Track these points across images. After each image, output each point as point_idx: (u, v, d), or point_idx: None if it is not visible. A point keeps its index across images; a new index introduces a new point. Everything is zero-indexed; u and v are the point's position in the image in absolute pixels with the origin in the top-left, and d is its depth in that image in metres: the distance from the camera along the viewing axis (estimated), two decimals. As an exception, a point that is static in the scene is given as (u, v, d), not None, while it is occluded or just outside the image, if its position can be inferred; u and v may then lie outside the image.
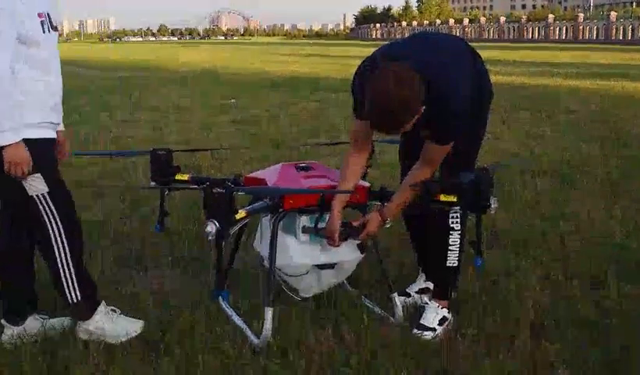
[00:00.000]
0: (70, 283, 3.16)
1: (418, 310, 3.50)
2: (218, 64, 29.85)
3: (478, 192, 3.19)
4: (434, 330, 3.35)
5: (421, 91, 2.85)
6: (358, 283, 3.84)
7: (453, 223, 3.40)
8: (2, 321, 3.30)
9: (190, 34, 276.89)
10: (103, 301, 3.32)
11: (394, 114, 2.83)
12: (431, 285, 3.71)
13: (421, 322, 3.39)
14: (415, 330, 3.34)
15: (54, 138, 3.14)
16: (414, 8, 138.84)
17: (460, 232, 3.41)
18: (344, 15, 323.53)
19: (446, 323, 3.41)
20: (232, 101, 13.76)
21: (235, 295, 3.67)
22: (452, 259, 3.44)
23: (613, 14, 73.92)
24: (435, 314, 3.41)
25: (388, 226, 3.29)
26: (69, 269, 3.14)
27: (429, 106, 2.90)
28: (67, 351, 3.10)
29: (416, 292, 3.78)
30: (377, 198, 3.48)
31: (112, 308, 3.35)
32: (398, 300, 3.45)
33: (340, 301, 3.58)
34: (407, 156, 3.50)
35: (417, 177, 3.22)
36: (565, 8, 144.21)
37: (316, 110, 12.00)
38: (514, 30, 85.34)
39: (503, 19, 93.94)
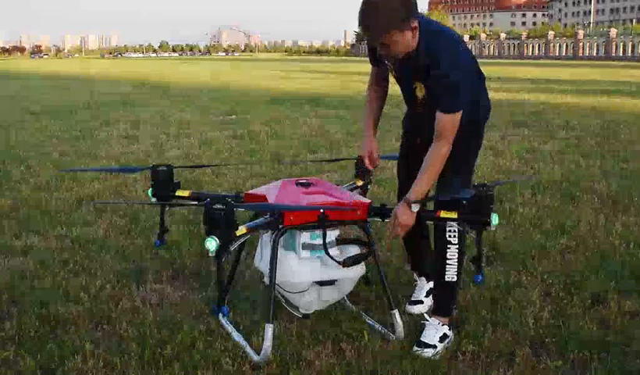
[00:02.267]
0: None
1: (420, 327, 3.50)
2: (219, 80, 29.95)
3: (478, 209, 3.20)
4: (434, 347, 3.33)
5: (411, 15, 3.01)
6: (358, 299, 3.84)
7: (450, 236, 3.41)
8: None
9: (190, 50, 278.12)
10: None
11: (379, 10, 2.97)
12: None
13: (422, 339, 3.37)
14: (415, 348, 3.32)
15: None
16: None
17: (457, 247, 3.42)
18: (345, 31, 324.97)
19: (447, 340, 3.40)
20: (233, 117, 13.79)
21: (235, 311, 3.66)
22: (450, 274, 3.44)
23: (613, 31, 74.29)
24: (435, 331, 3.40)
25: (415, 210, 3.23)
26: None
27: (428, 64, 3.10)
28: (65, 367, 3.10)
29: (425, 296, 3.81)
30: (377, 214, 3.48)
31: None
32: (398, 316, 3.44)
33: (340, 318, 3.58)
34: (407, 174, 3.53)
35: (434, 154, 3.21)
36: (565, 25, 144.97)
37: (316, 126, 12.02)
38: (514, 47, 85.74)
39: (503, 35, 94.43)
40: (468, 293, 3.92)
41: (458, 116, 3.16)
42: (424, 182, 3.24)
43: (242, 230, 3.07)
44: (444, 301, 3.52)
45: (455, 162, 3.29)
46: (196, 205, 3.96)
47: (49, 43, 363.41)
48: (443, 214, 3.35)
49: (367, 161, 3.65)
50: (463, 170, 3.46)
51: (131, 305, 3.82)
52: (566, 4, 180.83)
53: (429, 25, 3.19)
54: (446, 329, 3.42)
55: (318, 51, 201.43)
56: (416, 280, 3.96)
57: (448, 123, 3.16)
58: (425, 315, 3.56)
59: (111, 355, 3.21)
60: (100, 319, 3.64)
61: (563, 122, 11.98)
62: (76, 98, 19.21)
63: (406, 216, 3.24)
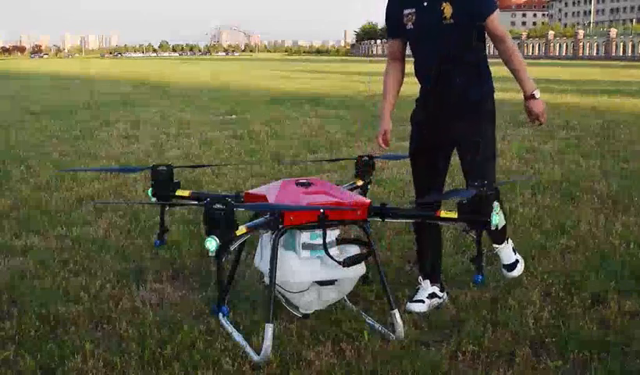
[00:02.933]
0: None
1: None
2: (219, 80, 29.95)
3: (478, 209, 3.21)
4: (517, 261, 3.88)
5: None
6: (358, 299, 3.84)
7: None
8: None
9: (190, 50, 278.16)
10: None
11: None
12: (437, 289, 3.88)
13: (505, 263, 3.89)
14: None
15: None
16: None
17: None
18: (345, 31, 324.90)
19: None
20: (233, 117, 13.80)
21: (235, 311, 3.66)
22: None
23: (613, 31, 74.29)
24: (508, 249, 3.88)
25: (539, 95, 3.58)
26: None
27: None
28: (65, 367, 3.10)
29: (427, 297, 3.84)
30: (377, 214, 3.48)
31: None
32: (398, 316, 3.44)
33: (340, 318, 3.58)
34: (430, 171, 3.88)
35: (512, 52, 3.57)
36: (565, 25, 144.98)
37: (316, 126, 12.02)
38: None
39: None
40: (468, 293, 3.93)
41: (497, 14, 3.53)
42: (526, 73, 3.59)
43: (242, 229, 3.07)
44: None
45: (489, 148, 3.72)
46: (196, 205, 3.96)
47: (49, 43, 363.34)
48: (443, 214, 3.36)
49: (380, 139, 3.79)
50: (494, 155, 3.82)
51: (131, 305, 3.82)
52: (566, 4, 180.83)
53: None
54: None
55: (318, 51, 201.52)
56: (420, 283, 3.92)
57: (497, 20, 3.52)
58: (495, 246, 3.87)
59: (111, 355, 3.21)
60: (100, 319, 3.64)
61: (563, 122, 11.98)
62: (76, 98, 19.21)
63: (538, 104, 3.58)
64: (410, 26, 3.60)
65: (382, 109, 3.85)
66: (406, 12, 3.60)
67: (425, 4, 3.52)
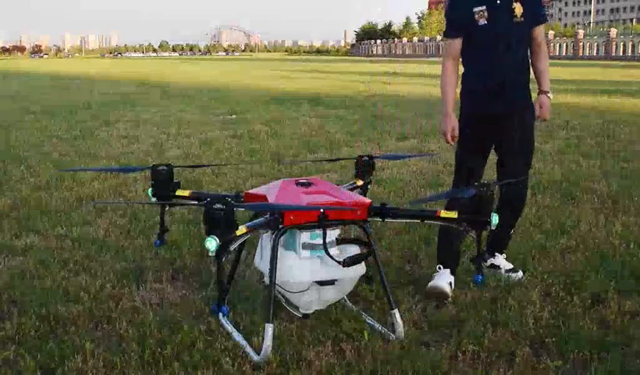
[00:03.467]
0: None
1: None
2: (219, 79, 29.96)
3: (478, 209, 3.21)
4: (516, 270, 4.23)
5: None
6: (358, 299, 3.84)
7: None
8: None
9: (190, 50, 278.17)
10: None
11: None
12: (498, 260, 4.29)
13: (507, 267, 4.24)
14: (511, 274, 4.21)
15: None
16: (415, 24, 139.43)
17: None
18: (345, 31, 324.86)
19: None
20: (233, 117, 13.80)
21: (235, 311, 3.66)
22: None
23: (613, 31, 74.24)
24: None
25: (551, 96, 4.06)
26: None
27: None
28: (65, 367, 3.10)
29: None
30: (377, 214, 3.48)
31: None
32: (398, 316, 3.44)
33: (340, 318, 3.58)
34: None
35: (545, 56, 4.09)
36: (565, 24, 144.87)
37: (316, 126, 12.02)
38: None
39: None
40: (468, 293, 3.93)
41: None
42: (548, 75, 4.08)
43: (242, 229, 3.07)
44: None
45: (530, 154, 4.14)
46: (196, 204, 3.96)
47: (49, 43, 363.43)
48: (443, 214, 3.36)
49: (449, 136, 3.96)
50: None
51: (131, 305, 3.82)
52: (566, 4, 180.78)
53: None
54: None
55: (318, 51, 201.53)
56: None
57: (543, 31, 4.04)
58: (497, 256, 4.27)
59: (111, 355, 3.21)
60: (100, 319, 3.64)
61: (563, 122, 11.97)
62: (76, 98, 19.21)
63: (548, 101, 4.02)
64: (482, 22, 3.85)
65: (447, 107, 3.96)
66: (476, 9, 3.84)
67: (498, 2, 3.83)
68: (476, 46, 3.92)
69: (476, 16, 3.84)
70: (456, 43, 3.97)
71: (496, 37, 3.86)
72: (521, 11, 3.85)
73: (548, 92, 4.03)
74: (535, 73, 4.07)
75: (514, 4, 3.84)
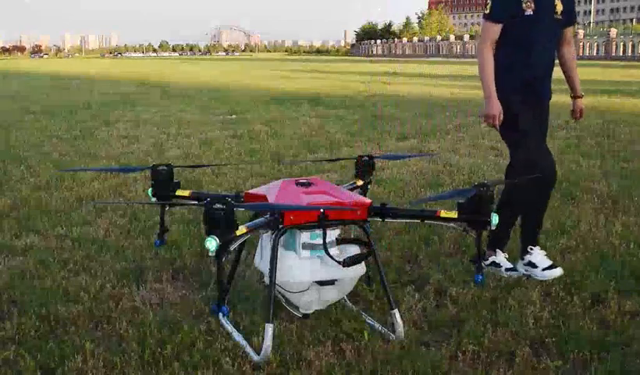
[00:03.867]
0: None
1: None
2: (219, 79, 29.96)
3: (478, 209, 3.21)
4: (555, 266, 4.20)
5: None
6: (358, 299, 3.84)
7: None
8: None
9: (190, 50, 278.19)
10: None
11: None
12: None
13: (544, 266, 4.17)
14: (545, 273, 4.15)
15: None
16: (415, 25, 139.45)
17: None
18: (345, 31, 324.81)
19: None
20: (233, 117, 13.80)
21: (235, 311, 3.66)
22: None
23: (613, 31, 74.22)
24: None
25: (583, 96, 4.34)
26: None
27: None
28: (65, 367, 3.10)
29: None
30: (377, 214, 3.48)
31: None
32: (398, 316, 3.44)
33: (340, 318, 3.58)
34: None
35: (574, 56, 4.30)
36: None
37: (316, 126, 12.02)
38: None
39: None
40: (468, 293, 3.92)
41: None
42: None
43: (242, 229, 3.07)
44: None
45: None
46: (196, 204, 3.96)
47: (49, 43, 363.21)
48: (443, 214, 3.36)
49: (497, 121, 4.02)
50: None
51: (131, 305, 3.82)
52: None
53: None
54: None
55: (318, 51, 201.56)
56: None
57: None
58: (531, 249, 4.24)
59: (111, 355, 3.21)
60: (100, 319, 3.64)
61: (563, 122, 11.96)
62: (76, 98, 19.22)
63: (581, 103, 4.38)
64: (529, 12, 3.93)
65: (492, 90, 4.00)
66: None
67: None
68: (518, 35, 3.98)
69: (524, 5, 3.92)
70: (498, 28, 4.01)
71: (539, 30, 3.94)
72: (561, 8, 3.99)
73: (581, 95, 4.36)
74: (566, 73, 4.29)
75: (556, 1, 3.97)
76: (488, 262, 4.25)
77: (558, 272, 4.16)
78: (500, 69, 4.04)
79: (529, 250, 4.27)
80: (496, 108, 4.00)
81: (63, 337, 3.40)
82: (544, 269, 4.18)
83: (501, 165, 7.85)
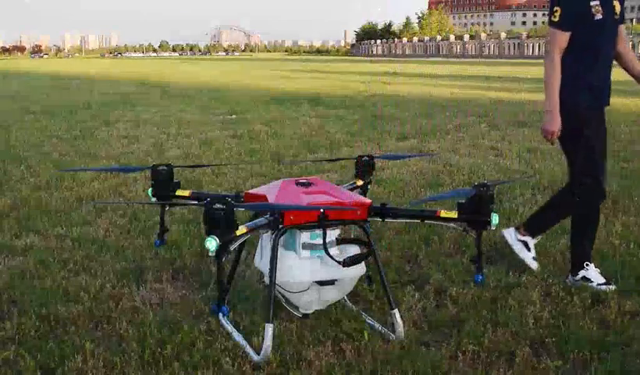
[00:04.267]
0: None
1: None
2: (219, 79, 29.96)
3: (478, 209, 3.21)
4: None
5: None
6: (358, 299, 3.84)
7: None
8: None
9: (190, 50, 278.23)
10: None
11: None
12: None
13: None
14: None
15: None
16: (415, 25, 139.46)
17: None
18: (345, 31, 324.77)
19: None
20: (233, 117, 13.80)
21: (235, 311, 3.66)
22: None
23: (613, 31, 74.08)
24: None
25: None
26: None
27: None
28: (65, 367, 3.10)
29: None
30: (377, 214, 3.48)
31: None
32: (398, 316, 3.44)
33: (340, 318, 3.58)
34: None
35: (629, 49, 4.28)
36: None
37: (316, 126, 12.02)
38: (515, 47, 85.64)
39: (503, 35, 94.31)
40: (468, 293, 3.92)
41: None
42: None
43: (242, 229, 3.07)
44: None
45: None
46: (196, 204, 3.96)
47: (49, 43, 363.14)
48: (443, 214, 3.37)
49: (555, 136, 3.96)
50: None
51: (131, 305, 3.82)
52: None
53: None
54: None
55: (318, 51, 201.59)
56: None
57: None
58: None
59: (111, 355, 3.21)
60: (100, 319, 3.64)
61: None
62: (76, 97, 19.21)
63: None
64: (598, 17, 3.89)
65: (555, 104, 3.93)
66: (593, 3, 3.87)
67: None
68: (587, 41, 3.92)
69: (593, 10, 3.87)
70: (566, 37, 3.93)
71: (605, 33, 3.95)
72: (619, 9, 3.99)
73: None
74: (629, 65, 4.24)
75: (614, 2, 3.95)
76: (578, 278, 4.11)
77: (612, 288, 4.02)
78: (569, 77, 3.93)
79: (585, 266, 4.12)
80: (556, 124, 3.91)
81: (63, 337, 3.40)
82: (599, 285, 4.04)
83: (501, 165, 7.86)
